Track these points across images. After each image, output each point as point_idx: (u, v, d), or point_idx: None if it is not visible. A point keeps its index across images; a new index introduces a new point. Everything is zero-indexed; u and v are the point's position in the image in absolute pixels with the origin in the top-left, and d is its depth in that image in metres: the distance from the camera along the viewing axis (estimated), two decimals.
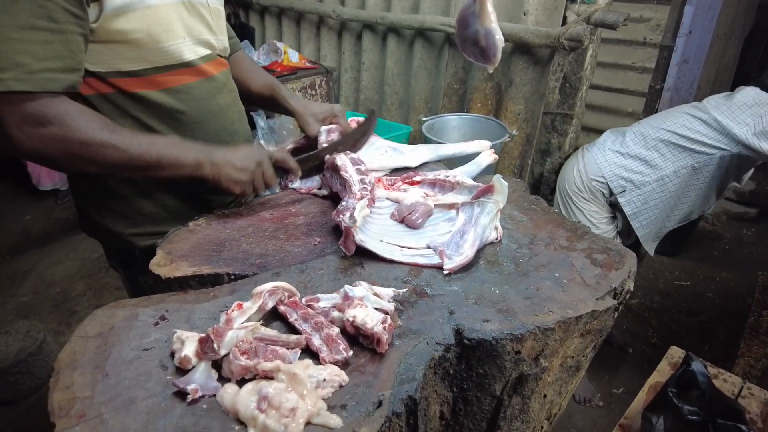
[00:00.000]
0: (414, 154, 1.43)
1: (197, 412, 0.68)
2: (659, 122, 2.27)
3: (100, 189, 1.19)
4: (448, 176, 1.22)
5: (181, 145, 1.09)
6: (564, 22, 2.35)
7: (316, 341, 0.79)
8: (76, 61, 0.97)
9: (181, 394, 0.70)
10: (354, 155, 1.24)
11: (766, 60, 5.21)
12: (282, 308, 0.85)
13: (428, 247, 1.04)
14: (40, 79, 0.91)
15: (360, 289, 0.86)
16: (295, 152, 1.39)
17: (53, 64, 0.93)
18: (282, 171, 1.23)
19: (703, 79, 4.26)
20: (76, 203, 1.29)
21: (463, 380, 0.85)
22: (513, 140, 2.57)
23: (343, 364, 0.76)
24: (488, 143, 1.50)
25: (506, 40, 1.09)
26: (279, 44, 3.40)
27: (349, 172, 1.16)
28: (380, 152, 1.40)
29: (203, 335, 0.74)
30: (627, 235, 2.39)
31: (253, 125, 2.94)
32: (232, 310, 0.78)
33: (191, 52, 1.16)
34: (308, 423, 0.67)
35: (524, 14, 2.44)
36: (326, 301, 0.87)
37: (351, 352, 0.77)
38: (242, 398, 0.68)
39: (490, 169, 1.66)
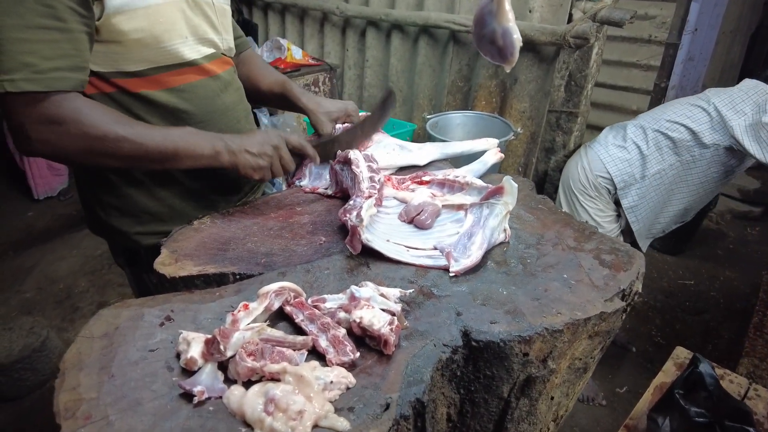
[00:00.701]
0: (422, 152, 1.42)
1: (204, 414, 0.68)
2: (660, 113, 2.26)
3: (106, 188, 1.19)
4: (457, 177, 1.21)
5: (197, 134, 1.08)
6: (570, 20, 2.33)
7: (323, 342, 0.78)
8: (83, 59, 0.97)
9: (188, 396, 0.69)
10: (369, 153, 1.23)
11: None
12: (288, 309, 0.84)
13: (435, 248, 1.04)
14: (50, 78, 0.91)
15: (366, 290, 0.85)
16: None
17: (61, 63, 0.92)
18: (298, 157, 1.22)
19: (708, 76, 4.24)
20: (83, 202, 1.29)
21: (471, 382, 0.84)
22: (518, 138, 2.56)
23: (350, 366, 0.76)
24: (495, 141, 1.49)
25: None
26: (282, 41, 3.39)
27: (361, 167, 1.15)
28: (388, 150, 1.39)
29: (209, 336, 0.74)
30: (629, 233, 2.39)
31: (257, 123, 2.94)
32: (238, 311, 0.78)
33: (195, 51, 1.15)
34: (315, 426, 0.66)
35: (530, 11, 2.43)
36: (332, 301, 0.86)
37: (358, 354, 0.77)
38: (249, 400, 0.67)
39: (495, 168, 1.65)
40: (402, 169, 1.40)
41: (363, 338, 0.80)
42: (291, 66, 3.28)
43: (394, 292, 0.88)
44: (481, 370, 0.83)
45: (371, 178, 1.12)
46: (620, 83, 3.82)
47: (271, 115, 3.13)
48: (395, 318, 0.80)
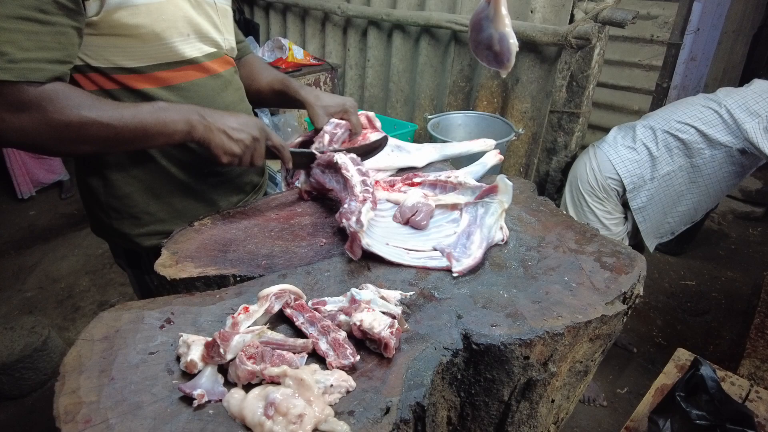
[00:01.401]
0: (420, 154, 1.42)
1: (204, 417, 0.68)
2: (669, 114, 2.23)
3: (106, 189, 1.18)
4: (449, 177, 1.20)
5: (170, 109, 1.03)
6: (571, 20, 2.32)
7: (323, 345, 0.78)
8: (65, 53, 0.96)
9: (188, 399, 0.69)
10: (354, 155, 1.21)
11: None
12: (288, 311, 0.84)
13: (434, 249, 1.04)
14: (22, 68, 0.89)
15: (367, 293, 0.85)
16: (303, 145, 1.37)
17: (38, 54, 0.91)
18: (273, 156, 1.18)
19: (710, 76, 4.23)
20: (84, 204, 1.29)
21: (471, 385, 0.84)
22: (519, 139, 2.56)
23: (351, 369, 0.76)
24: (493, 142, 1.48)
25: None
26: (284, 41, 3.39)
27: (351, 171, 1.13)
28: (386, 151, 1.39)
29: (209, 339, 0.74)
30: (635, 234, 2.38)
31: None
32: (239, 314, 0.78)
33: (196, 49, 1.15)
34: (316, 429, 0.66)
35: (531, 12, 2.42)
36: (333, 304, 0.86)
37: (358, 357, 0.76)
38: (249, 404, 0.67)
39: (496, 169, 1.65)
40: (400, 171, 1.39)
41: (363, 341, 0.80)
42: (292, 66, 3.28)
43: (395, 295, 0.88)
44: (482, 374, 0.83)
45: (363, 182, 1.10)
46: (622, 83, 3.81)
47: (272, 115, 3.13)
48: (396, 321, 0.79)
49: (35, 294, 3.15)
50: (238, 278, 0.97)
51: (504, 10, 0.91)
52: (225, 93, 1.25)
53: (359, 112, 1.43)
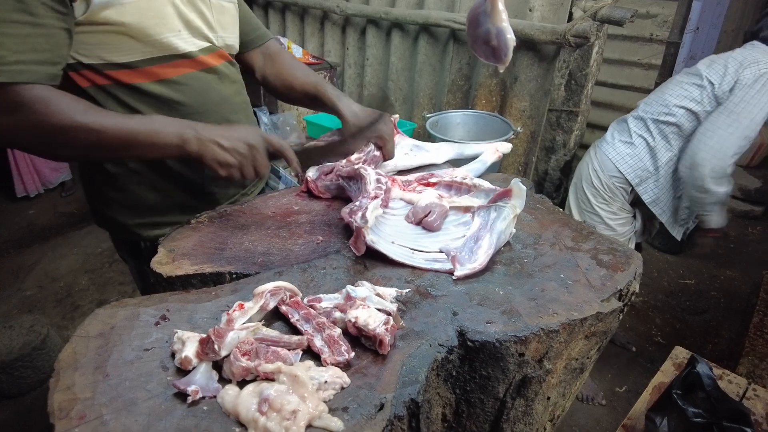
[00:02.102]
0: (439, 152, 1.42)
1: (198, 413, 0.68)
2: (656, 99, 2.19)
3: (106, 180, 1.20)
4: (464, 178, 1.20)
5: (163, 122, 1.03)
6: (570, 19, 2.32)
7: (318, 342, 0.78)
8: (56, 54, 0.96)
9: (182, 396, 0.69)
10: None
11: None
12: (284, 308, 0.84)
13: (441, 251, 1.03)
14: (12, 71, 0.90)
15: (362, 290, 0.85)
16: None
17: (29, 56, 0.91)
18: (275, 159, 1.17)
19: None
20: (87, 195, 1.30)
21: (466, 382, 0.84)
22: (518, 137, 2.56)
23: (345, 366, 0.76)
24: (509, 145, 1.48)
25: None
26: (283, 39, 3.40)
27: (368, 170, 1.14)
28: (405, 151, 1.38)
29: (204, 336, 0.74)
30: (644, 231, 2.36)
31: (257, 122, 2.93)
32: (234, 311, 0.78)
33: (190, 44, 1.15)
34: (309, 426, 0.66)
35: (530, 10, 2.42)
36: (328, 301, 0.86)
37: (353, 354, 0.76)
38: (243, 400, 0.67)
39: (495, 167, 1.65)
40: (419, 169, 1.38)
41: (358, 338, 0.80)
42: None
43: (391, 292, 0.88)
44: (477, 371, 0.83)
45: (378, 180, 1.11)
46: (621, 82, 3.81)
47: (270, 113, 3.14)
48: (391, 318, 0.79)
49: (34, 293, 3.15)
50: (234, 275, 0.97)
51: (501, 6, 0.92)
52: (220, 86, 1.24)
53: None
